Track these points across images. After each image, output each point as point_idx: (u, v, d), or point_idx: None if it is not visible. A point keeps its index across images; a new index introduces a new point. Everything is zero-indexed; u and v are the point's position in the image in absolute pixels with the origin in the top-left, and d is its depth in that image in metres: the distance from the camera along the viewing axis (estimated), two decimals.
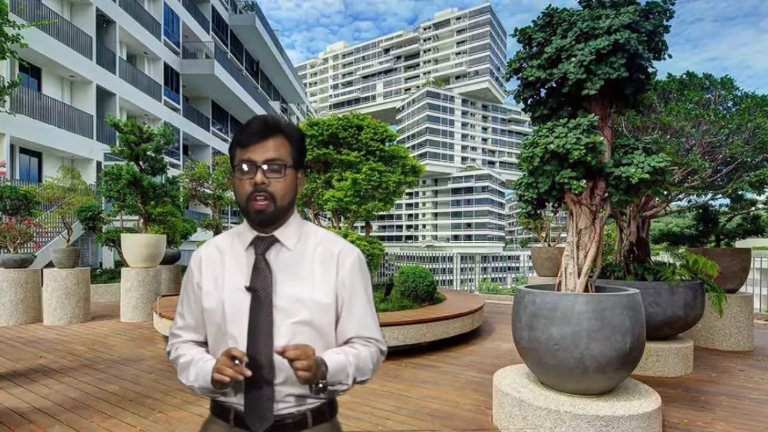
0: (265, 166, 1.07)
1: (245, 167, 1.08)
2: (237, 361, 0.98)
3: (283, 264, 1.12)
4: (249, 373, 0.99)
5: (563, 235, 11.31)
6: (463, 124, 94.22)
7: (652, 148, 3.05)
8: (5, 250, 7.68)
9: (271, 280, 1.09)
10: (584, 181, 3.03)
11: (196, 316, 1.17)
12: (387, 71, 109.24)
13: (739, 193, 5.49)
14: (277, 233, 1.14)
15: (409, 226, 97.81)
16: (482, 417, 3.37)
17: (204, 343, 1.19)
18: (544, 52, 3.10)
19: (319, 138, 7.85)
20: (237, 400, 1.09)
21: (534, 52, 3.29)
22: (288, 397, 1.07)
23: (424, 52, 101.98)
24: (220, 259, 1.16)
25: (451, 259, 13.79)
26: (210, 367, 1.05)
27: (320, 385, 1.02)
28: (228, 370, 0.97)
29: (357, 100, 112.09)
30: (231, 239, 1.19)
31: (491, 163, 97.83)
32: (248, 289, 1.09)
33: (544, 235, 10.93)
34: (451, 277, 13.55)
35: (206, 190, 14.31)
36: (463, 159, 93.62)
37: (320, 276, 1.13)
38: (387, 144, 8.22)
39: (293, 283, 1.10)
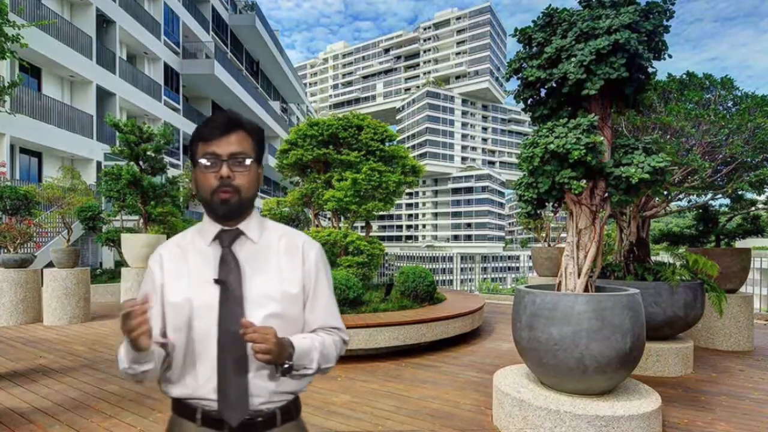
0: (229, 160, 1.07)
1: (209, 161, 1.07)
2: (134, 311, 0.92)
3: (249, 256, 1.12)
4: (152, 304, 0.96)
5: (563, 235, 11.31)
6: (463, 124, 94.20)
7: (652, 148, 3.05)
8: (5, 250, 7.68)
9: (240, 273, 1.09)
10: (584, 181, 3.03)
11: (153, 316, 1.14)
12: (387, 71, 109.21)
13: (739, 193, 5.48)
14: (241, 226, 1.14)
15: (409, 226, 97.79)
16: (482, 417, 3.38)
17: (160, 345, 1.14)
18: (544, 52, 3.10)
19: (319, 138, 7.85)
20: (205, 397, 1.06)
21: (534, 52, 3.29)
22: (261, 391, 1.07)
23: (424, 52, 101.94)
24: (183, 256, 1.14)
25: (451, 259, 13.78)
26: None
27: (286, 366, 1.02)
28: (133, 317, 0.92)
29: (357, 100, 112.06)
30: (191, 236, 1.18)
31: (491, 163, 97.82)
32: (217, 281, 1.07)
33: (544, 235, 10.92)
34: (451, 277, 13.54)
35: None
36: (463, 159, 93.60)
37: (287, 267, 1.13)
38: (387, 144, 8.22)
39: (261, 275, 1.11)
